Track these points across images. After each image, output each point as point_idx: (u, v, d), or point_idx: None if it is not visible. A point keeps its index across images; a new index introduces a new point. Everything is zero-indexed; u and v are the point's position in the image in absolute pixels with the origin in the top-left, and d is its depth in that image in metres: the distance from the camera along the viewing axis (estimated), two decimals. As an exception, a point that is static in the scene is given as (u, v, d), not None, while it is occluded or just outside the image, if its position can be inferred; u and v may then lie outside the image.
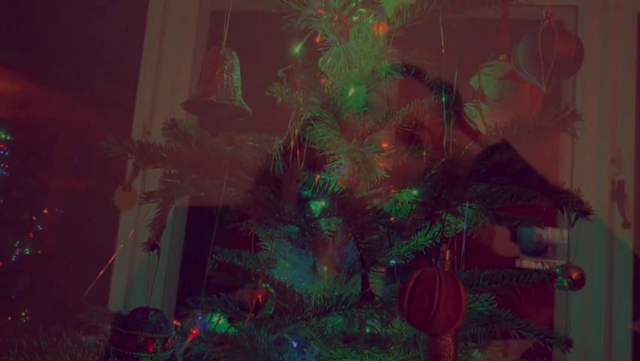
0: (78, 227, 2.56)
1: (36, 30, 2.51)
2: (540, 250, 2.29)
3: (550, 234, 2.26)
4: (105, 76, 2.58)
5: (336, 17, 1.01)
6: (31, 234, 2.72)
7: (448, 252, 0.89)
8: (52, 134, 2.71)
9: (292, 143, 1.14)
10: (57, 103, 2.70)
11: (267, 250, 1.17)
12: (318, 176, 1.16)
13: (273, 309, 0.92)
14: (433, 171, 0.94)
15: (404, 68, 1.17)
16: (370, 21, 1.13)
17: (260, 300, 0.89)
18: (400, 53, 1.18)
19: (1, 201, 2.72)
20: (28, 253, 2.70)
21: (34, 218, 2.72)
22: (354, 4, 1.05)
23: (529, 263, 2.26)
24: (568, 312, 2.13)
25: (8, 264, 2.66)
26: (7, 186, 2.74)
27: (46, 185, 2.73)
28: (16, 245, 2.69)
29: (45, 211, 2.75)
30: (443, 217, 0.96)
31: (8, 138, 2.72)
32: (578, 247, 1.17)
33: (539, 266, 2.26)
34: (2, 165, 2.71)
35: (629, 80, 2.26)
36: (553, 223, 2.16)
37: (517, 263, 2.25)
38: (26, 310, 2.61)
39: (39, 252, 2.70)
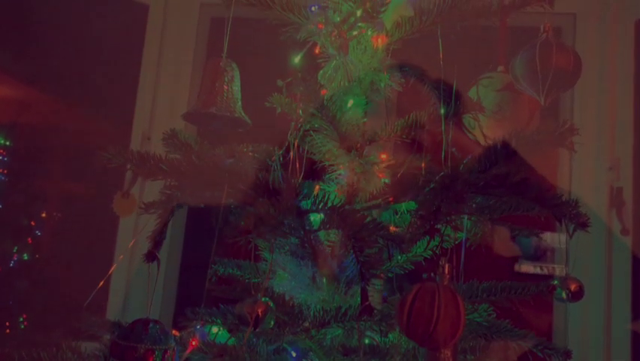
0: (77, 233, 2.55)
1: (36, 36, 2.52)
2: (539, 255, 2.30)
3: (549, 238, 2.26)
4: (105, 81, 2.58)
5: (336, 32, 1.02)
6: (29, 239, 2.72)
7: (447, 266, 0.90)
8: (52, 139, 2.71)
9: (292, 153, 1.15)
10: (56, 108, 2.70)
11: (266, 260, 1.18)
12: (317, 187, 1.16)
13: (272, 323, 0.93)
14: (432, 185, 0.94)
15: (403, 80, 1.17)
16: (369, 33, 1.13)
17: (260, 314, 0.89)
18: (399, 65, 1.19)
19: (0, 206, 2.72)
20: (26, 258, 2.70)
21: (32, 223, 2.72)
22: (353, 19, 1.06)
23: (528, 268, 2.26)
24: (567, 317, 2.14)
25: (7, 269, 2.66)
26: (6, 191, 2.73)
27: (45, 190, 2.73)
28: (15, 250, 2.69)
29: (43, 216, 2.75)
30: (442, 231, 0.96)
31: (7, 143, 2.72)
32: (577, 253, 1.17)
33: (538, 270, 2.27)
34: (1, 170, 2.71)
35: (627, 88, 2.27)
36: (552, 228, 2.16)
37: (517, 267, 2.25)
38: (24, 316, 2.60)
39: (37, 256, 2.70)
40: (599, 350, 2.14)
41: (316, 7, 1.13)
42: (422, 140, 1.22)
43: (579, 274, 1.17)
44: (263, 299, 0.92)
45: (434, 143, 1.19)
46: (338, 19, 1.05)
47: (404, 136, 1.20)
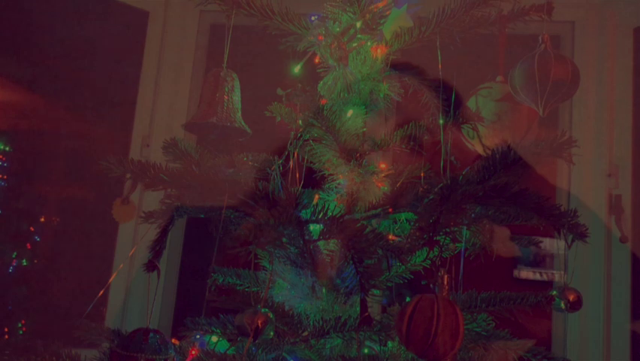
0: (76, 239, 2.55)
1: (36, 43, 2.52)
2: (538, 260, 2.30)
3: (548, 244, 2.26)
4: (105, 87, 2.58)
5: (335, 43, 1.02)
6: (28, 245, 2.72)
7: (445, 276, 0.90)
8: (51, 145, 2.71)
9: (291, 163, 1.15)
10: (56, 114, 2.70)
11: (265, 269, 1.18)
12: (317, 196, 1.17)
13: (272, 334, 0.93)
14: (431, 197, 0.95)
15: (402, 90, 1.18)
16: (369, 43, 1.14)
17: (259, 325, 0.90)
18: (398, 75, 1.19)
19: (0, 211, 2.72)
20: (25, 264, 2.70)
21: (31, 229, 2.72)
22: (353, 31, 1.06)
23: (527, 273, 2.27)
24: (566, 324, 2.14)
25: (5, 275, 2.66)
26: (6, 197, 2.73)
27: (45, 196, 2.73)
28: (14, 256, 2.68)
29: (42, 221, 2.74)
30: (441, 242, 0.96)
31: (7, 148, 2.72)
32: (576, 261, 1.17)
33: (537, 277, 2.27)
34: (1, 175, 2.71)
35: (626, 95, 2.27)
36: (551, 234, 2.16)
37: (516, 273, 2.26)
38: (23, 321, 2.60)
39: (35, 262, 2.70)
40: (598, 355, 2.14)
41: (316, 17, 1.14)
42: (421, 149, 1.22)
43: (578, 281, 1.17)
44: (262, 310, 0.92)
45: (434, 151, 1.20)
46: (338, 29, 1.06)
47: (403, 145, 1.20)
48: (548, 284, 2.27)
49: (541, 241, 1.29)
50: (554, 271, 2.27)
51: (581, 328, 2.15)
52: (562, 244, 1.08)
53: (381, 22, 1.10)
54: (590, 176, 2.22)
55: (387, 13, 1.12)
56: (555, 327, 2.21)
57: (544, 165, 1.06)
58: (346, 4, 1.10)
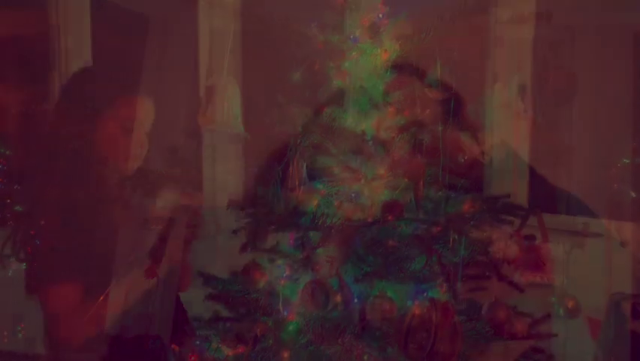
0: (76, 242, 2.55)
1: (37, 47, 2.53)
2: (539, 264, 2.30)
3: (548, 247, 2.25)
4: (104, 90, 2.58)
5: (335, 51, 1.03)
6: (28, 248, 2.71)
7: (444, 285, 0.90)
8: (51, 147, 2.71)
9: (291, 169, 1.16)
10: (56, 117, 2.70)
11: (265, 275, 1.18)
12: (316, 202, 1.17)
13: (271, 341, 0.93)
14: (430, 204, 0.95)
15: (402, 96, 1.18)
16: (368, 51, 1.14)
17: (258, 334, 0.90)
18: (398, 81, 1.20)
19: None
20: (24, 267, 2.69)
21: (32, 232, 2.71)
22: (352, 39, 1.06)
23: (527, 277, 2.26)
24: (566, 326, 2.13)
25: (5, 278, 2.65)
26: (6, 200, 2.73)
27: (45, 199, 2.72)
28: (13, 260, 2.68)
29: (42, 223, 2.74)
30: (440, 251, 0.97)
31: (7, 152, 2.72)
32: (577, 265, 1.18)
33: (538, 280, 2.27)
34: (0, 179, 2.70)
35: (626, 99, 2.27)
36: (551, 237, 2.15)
37: (516, 277, 2.25)
38: (21, 325, 2.59)
39: (35, 265, 2.69)
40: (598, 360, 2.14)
41: (315, 24, 1.14)
42: (421, 155, 1.22)
43: (579, 286, 1.17)
44: (262, 318, 0.92)
45: (433, 157, 1.20)
46: (337, 37, 1.06)
47: (403, 151, 1.20)
48: (549, 287, 2.26)
49: (540, 246, 1.29)
50: (555, 275, 2.27)
51: (581, 332, 2.14)
52: (561, 247, 1.08)
53: (381, 30, 1.10)
54: (590, 180, 2.22)
55: (387, 22, 1.13)
56: (555, 331, 2.21)
57: (545, 167, 1.06)
58: (346, 12, 1.10)
